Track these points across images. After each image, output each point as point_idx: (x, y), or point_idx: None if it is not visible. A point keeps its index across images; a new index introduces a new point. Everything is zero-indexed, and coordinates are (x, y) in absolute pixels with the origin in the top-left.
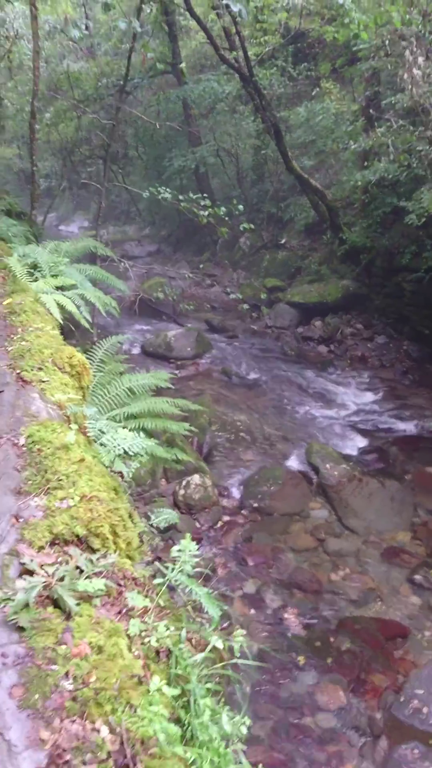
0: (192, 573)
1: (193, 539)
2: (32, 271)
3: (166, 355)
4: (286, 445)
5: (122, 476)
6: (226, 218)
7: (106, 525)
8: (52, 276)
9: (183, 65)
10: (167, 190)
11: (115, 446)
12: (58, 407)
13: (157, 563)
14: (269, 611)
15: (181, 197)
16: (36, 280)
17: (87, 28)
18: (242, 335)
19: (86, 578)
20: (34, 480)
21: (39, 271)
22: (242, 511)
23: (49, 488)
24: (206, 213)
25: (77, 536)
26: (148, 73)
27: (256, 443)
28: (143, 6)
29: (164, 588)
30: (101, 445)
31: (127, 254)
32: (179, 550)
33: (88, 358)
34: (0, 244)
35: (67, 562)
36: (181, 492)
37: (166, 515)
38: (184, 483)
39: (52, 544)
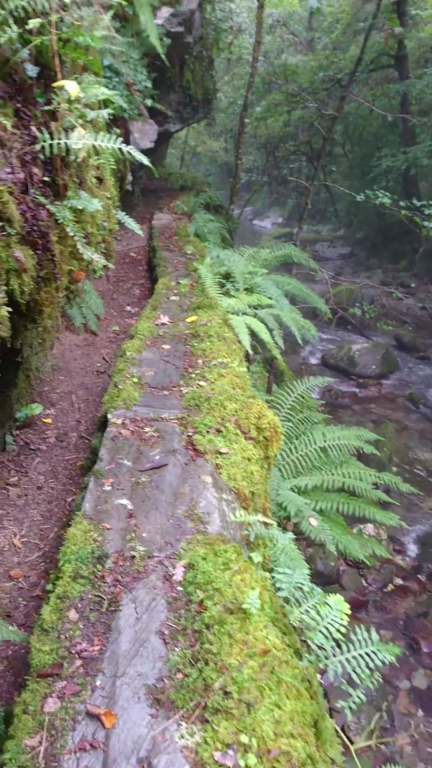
0: None
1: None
2: (224, 281)
3: (348, 370)
4: None
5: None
6: None
7: None
8: (246, 290)
9: None
10: (386, 194)
11: (325, 648)
12: (235, 492)
13: None
14: None
15: (402, 203)
16: (227, 293)
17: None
18: None
19: None
20: (185, 674)
21: (232, 282)
22: (419, 576)
23: (207, 707)
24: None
25: None
26: (369, 66)
27: None
28: None
29: None
30: (298, 627)
31: (318, 255)
32: None
33: (273, 407)
34: (195, 242)
35: None
36: None
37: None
38: (354, 531)
39: None
